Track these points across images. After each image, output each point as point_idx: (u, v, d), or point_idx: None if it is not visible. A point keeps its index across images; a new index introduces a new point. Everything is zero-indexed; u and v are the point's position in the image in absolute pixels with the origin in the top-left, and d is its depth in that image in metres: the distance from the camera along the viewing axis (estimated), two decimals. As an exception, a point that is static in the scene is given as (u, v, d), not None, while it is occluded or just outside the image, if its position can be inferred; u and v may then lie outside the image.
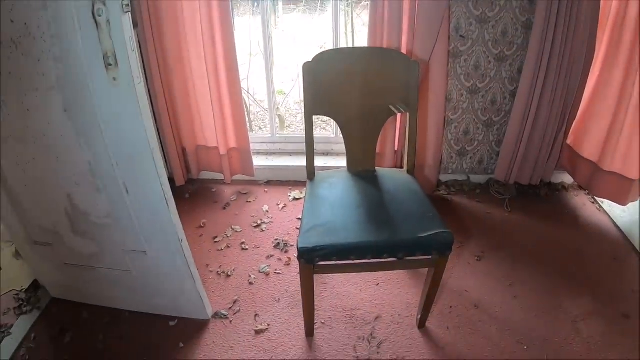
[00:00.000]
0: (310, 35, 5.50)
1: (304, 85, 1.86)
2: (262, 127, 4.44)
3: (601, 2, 2.56)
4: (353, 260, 1.56)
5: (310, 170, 1.99)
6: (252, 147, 3.02)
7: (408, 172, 2.01)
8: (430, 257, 1.60)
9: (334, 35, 2.77)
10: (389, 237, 1.57)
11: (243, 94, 2.80)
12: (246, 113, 3.06)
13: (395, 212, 1.70)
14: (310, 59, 1.83)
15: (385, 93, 1.90)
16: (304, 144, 1.95)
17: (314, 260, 1.53)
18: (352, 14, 3.72)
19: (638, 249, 2.57)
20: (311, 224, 1.64)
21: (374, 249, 1.54)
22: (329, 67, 1.86)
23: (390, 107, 1.89)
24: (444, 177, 3.07)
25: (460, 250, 2.49)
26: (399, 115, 2.59)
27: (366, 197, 1.80)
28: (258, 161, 3.15)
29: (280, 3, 6.23)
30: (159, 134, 2.83)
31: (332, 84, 1.87)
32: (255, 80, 4.20)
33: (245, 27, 4.18)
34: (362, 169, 2.00)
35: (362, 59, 1.88)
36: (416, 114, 1.91)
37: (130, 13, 1.27)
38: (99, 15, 1.22)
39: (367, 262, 1.59)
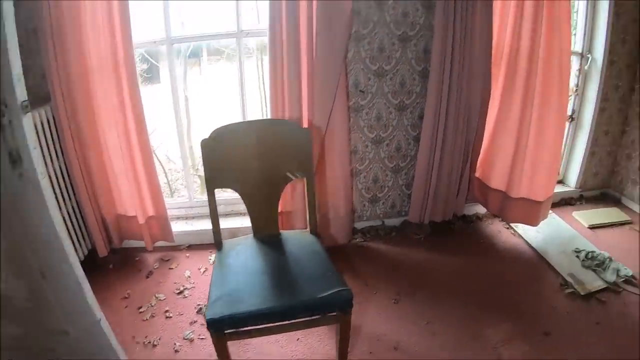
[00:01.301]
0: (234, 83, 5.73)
1: (203, 161, 2.10)
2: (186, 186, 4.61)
3: (494, 38, 2.96)
4: (261, 325, 1.77)
5: (218, 240, 2.20)
6: (172, 212, 3.21)
7: (311, 232, 2.26)
8: (334, 314, 1.84)
9: (240, 92, 3.07)
10: (291, 300, 1.80)
11: (163, 157, 2.99)
12: (167, 177, 3.25)
13: (298, 274, 1.94)
14: (207, 136, 2.07)
15: (281, 161, 2.17)
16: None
17: (222, 329, 1.74)
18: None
19: (552, 264, 2.92)
20: (218, 294, 1.85)
21: (278, 314, 1.77)
22: (226, 142, 2.10)
23: (287, 174, 2.15)
24: (359, 225, 3.36)
25: (377, 295, 2.75)
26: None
27: (271, 263, 2.04)
28: (178, 226, 3.33)
29: (205, 52, 6.49)
30: (78, 206, 2.96)
31: (231, 157, 2.12)
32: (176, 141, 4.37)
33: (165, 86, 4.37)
34: (267, 234, 2.23)
35: (257, 131, 2.14)
36: (313, 178, 2.19)
37: (30, 113, 1.47)
38: (2, 116, 1.40)
39: (276, 325, 1.80)
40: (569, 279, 2.84)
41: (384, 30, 2.77)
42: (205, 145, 2.06)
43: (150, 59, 5.00)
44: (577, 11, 4.06)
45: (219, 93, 5.95)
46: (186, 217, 3.47)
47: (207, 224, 3.38)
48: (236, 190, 2.18)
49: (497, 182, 3.21)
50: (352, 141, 2.98)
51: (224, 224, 3.11)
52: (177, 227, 3.28)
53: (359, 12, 2.72)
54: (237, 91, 3.09)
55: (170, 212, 3.17)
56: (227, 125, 2.12)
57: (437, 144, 2.92)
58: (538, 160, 3.12)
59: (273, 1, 2.46)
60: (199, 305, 2.75)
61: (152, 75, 5.40)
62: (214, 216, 2.16)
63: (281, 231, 2.27)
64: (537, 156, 3.12)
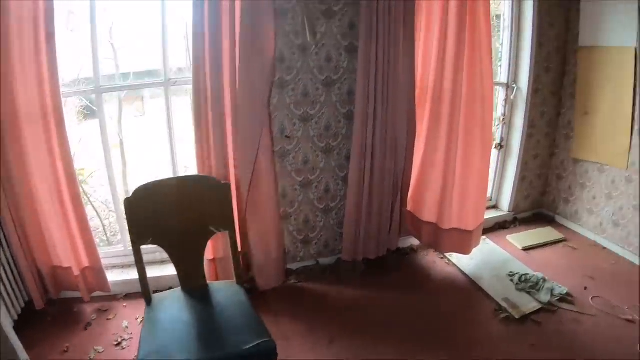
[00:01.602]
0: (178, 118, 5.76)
1: (127, 220, 2.17)
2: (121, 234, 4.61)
3: (418, 76, 3.15)
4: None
5: (147, 295, 2.27)
6: (108, 261, 3.24)
7: (238, 282, 2.36)
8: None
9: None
10: (217, 354, 1.88)
11: (101, 203, 3.01)
12: (103, 224, 3.27)
13: (224, 327, 2.03)
14: (130, 195, 2.15)
15: (203, 216, 2.27)
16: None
17: (152, 386, 1.81)
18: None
19: (486, 290, 3.08)
20: (147, 350, 1.92)
21: (205, 368, 1.85)
22: (149, 200, 2.18)
23: (210, 227, 2.25)
24: (294, 266, 3.47)
25: (311, 336, 2.82)
26: (237, 220, 2.92)
27: (198, 316, 2.12)
28: (115, 275, 3.35)
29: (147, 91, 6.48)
30: (12, 257, 2.95)
31: (154, 214, 2.20)
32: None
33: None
34: (195, 286, 2.31)
35: (179, 188, 2.25)
36: (234, 231, 2.29)
37: None
38: None
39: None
40: (503, 304, 3.01)
41: (308, 75, 2.91)
42: (128, 203, 2.13)
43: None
44: (502, 43, 4.34)
45: (158, 133, 5.96)
46: (122, 266, 3.49)
47: (144, 272, 3.43)
48: (162, 246, 2.25)
49: (428, 214, 3.37)
50: (280, 185, 3.08)
51: (161, 271, 3.18)
52: (113, 276, 3.30)
53: (282, 59, 2.85)
54: (167, 140, 3.18)
55: (106, 261, 3.20)
56: (148, 183, 2.21)
57: (365, 183, 3.05)
58: (466, 192, 3.31)
59: (196, 47, 2.56)
60: (136, 356, 2.78)
61: (92, 112, 5.39)
62: (142, 272, 2.23)
63: (209, 282, 2.36)
64: (465, 188, 3.31)
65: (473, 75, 3.18)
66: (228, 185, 2.27)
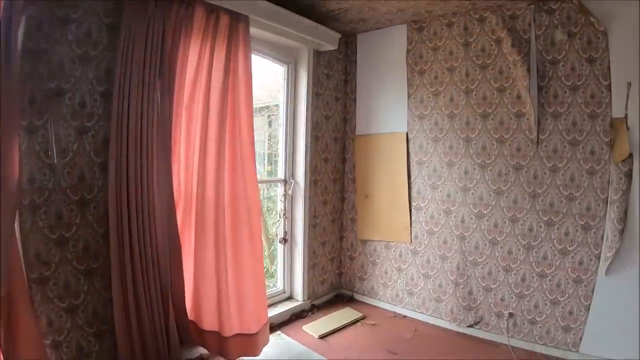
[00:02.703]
0: None
1: None
2: None
3: (182, 185, 3.21)
4: None
5: None
6: None
7: None
8: None
9: None
10: None
11: None
12: None
13: None
14: None
15: None
16: None
17: None
18: None
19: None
20: None
21: None
22: None
23: None
24: None
25: None
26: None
27: None
28: None
29: None
30: None
31: None
32: None
33: None
34: None
35: None
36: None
37: None
38: None
39: None
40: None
41: (60, 196, 2.84)
42: None
43: None
44: (278, 140, 4.72)
45: None
46: None
47: None
48: None
49: (209, 324, 3.36)
50: (44, 318, 2.89)
51: None
52: None
53: (32, 181, 2.73)
54: None
55: None
56: None
57: (131, 306, 2.92)
58: (242, 297, 3.43)
59: None
60: None
61: None
62: None
63: None
64: (241, 293, 3.42)
65: (235, 183, 3.38)
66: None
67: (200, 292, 3.36)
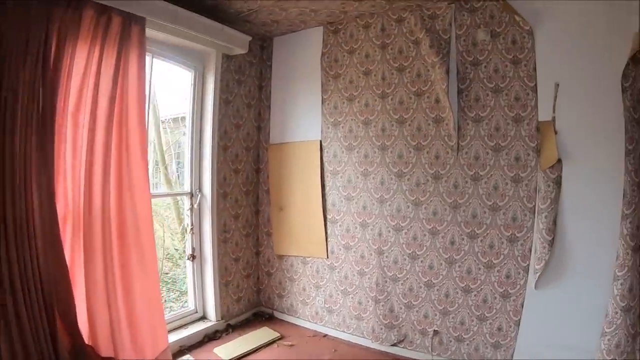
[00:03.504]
0: None
1: None
2: None
3: (69, 202, 2.53)
4: None
5: None
6: None
7: None
8: None
9: None
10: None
11: None
12: None
13: None
14: None
15: None
16: None
17: None
18: None
19: None
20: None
21: None
22: None
23: None
24: None
25: None
26: None
27: None
28: None
29: None
30: None
31: None
32: None
33: None
34: None
35: None
36: None
37: None
38: None
39: None
40: None
41: None
42: None
43: None
44: (183, 150, 3.86)
45: None
46: None
47: None
48: None
49: (105, 349, 2.67)
50: None
51: None
52: None
53: None
54: None
55: None
56: None
57: (14, 331, 2.23)
58: (135, 320, 2.81)
59: None
60: None
61: None
62: None
63: None
64: (133, 316, 2.81)
65: (121, 194, 2.77)
66: None
67: (94, 316, 2.66)
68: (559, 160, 2.78)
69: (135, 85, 2.81)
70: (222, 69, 3.74)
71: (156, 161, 4.67)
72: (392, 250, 3.44)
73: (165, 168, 4.88)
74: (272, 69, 4.10)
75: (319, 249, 3.79)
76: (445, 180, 3.19)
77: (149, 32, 2.93)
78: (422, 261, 3.32)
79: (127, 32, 2.73)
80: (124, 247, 2.77)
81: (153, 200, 3.94)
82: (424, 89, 3.26)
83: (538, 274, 2.85)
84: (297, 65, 3.92)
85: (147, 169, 2.89)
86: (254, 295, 4.25)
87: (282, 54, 4.04)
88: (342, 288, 3.72)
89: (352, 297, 3.68)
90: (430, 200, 3.26)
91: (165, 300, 4.10)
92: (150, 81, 3.20)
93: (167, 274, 4.84)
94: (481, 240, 3.08)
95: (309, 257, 3.90)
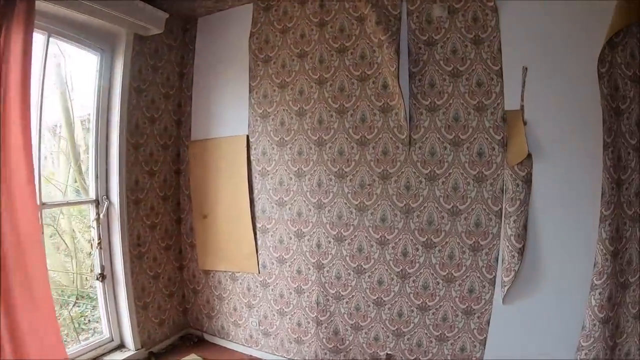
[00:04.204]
0: None
1: None
2: None
3: None
4: None
5: None
6: None
7: None
8: None
9: None
10: None
11: None
12: None
13: None
14: None
15: None
16: None
17: None
18: None
19: None
20: None
21: None
22: None
23: None
24: None
25: None
26: None
27: None
28: None
29: None
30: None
31: None
32: None
33: None
34: None
35: None
36: None
37: None
38: None
39: None
40: None
41: None
42: None
43: None
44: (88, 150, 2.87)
45: None
46: None
47: None
48: None
49: None
50: None
51: None
52: None
53: None
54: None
55: None
56: None
57: None
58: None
59: None
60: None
61: None
62: None
63: None
64: (22, 354, 2.03)
65: None
66: None
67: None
68: (529, 156, 2.10)
69: (19, 71, 2.01)
70: (134, 53, 2.80)
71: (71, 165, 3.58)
72: (333, 264, 2.63)
73: (80, 172, 3.78)
74: (196, 53, 3.17)
75: (249, 263, 2.92)
76: (395, 180, 2.43)
77: (44, 5, 2.19)
78: (369, 276, 2.54)
79: (10, 4, 1.97)
80: (3, 272, 1.97)
81: (51, 212, 2.98)
82: (368, 72, 2.47)
83: (507, 287, 2.17)
84: (223, 49, 3.02)
85: (32, 174, 2.07)
86: (179, 316, 3.31)
87: (207, 35, 3.12)
88: (278, 308, 2.88)
89: (289, 318, 2.84)
90: (378, 205, 2.48)
91: (75, 329, 3.06)
92: (44, 67, 2.39)
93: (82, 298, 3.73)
94: (439, 250, 2.35)
95: (239, 272, 3.03)
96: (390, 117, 2.42)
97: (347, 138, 2.54)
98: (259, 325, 2.97)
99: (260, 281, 2.93)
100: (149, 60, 2.96)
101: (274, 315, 2.90)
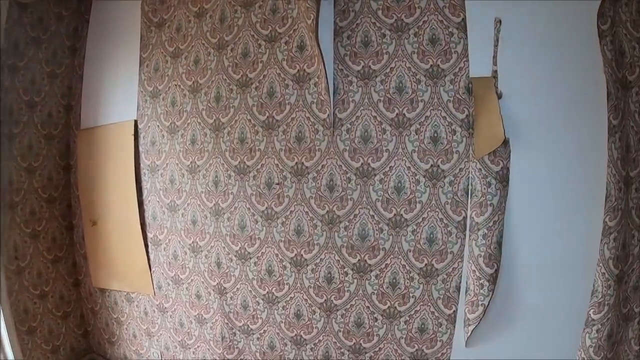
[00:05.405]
0: None
1: None
2: None
3: None
4: None
5: None
6: None
7: None
8: None
9: None
10: None
11: None
12: None
13: None
14: None
15: None
16: None
17: None
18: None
19: None
20: None
21: None
22: None
23: None
24: None
25: None
26: None
27: None
28: None
29: None
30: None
31: None
32: None
33: None
34: None
35: None
36: None
37: None
38: None
39: None
40: None
41: None
42: None
43: None
44: None
45: None
46: None
47: None
48: None
49: None
50: None
51: None
52: None
53: None
54: None
55: None
56: None
57: None
58: None
59: None
60: None
61: None
62: None
63: None
64: None
65: None
66: None
67: None
68: (505, 142, 1.18)
69: None
70: (8, 23, 1.76)
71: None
72: (238, 289, 1.63)
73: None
74: (90, 24, 2.10)
75: (143, 282, 1.90)
76: (313, 177, 1.44)
77: None
78: (284, 307, 1.54)
79: None
80: None
81: None
82: (280, 30, 1.47)
83: (472, 327, 1.25)
84: (118, 14, 1.97)
85: None
86: (78, 341, 2.26)
87: (102, 2, 2.05)
88: (180, 339, 1.86)
89: (193, 353, 1.83)
90: (291, 212, 1.48)
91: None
92: None
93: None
94: (376, 276, 1.38)
95: (134, 292, 1.99)
96: (307, 89, 1.43)
97: (250, 120, 1.53)
98: (161, 356, 1.95)
99: (157, 305, 1.91)
100: (30, 31, 1.92)
101: (176, 347, 1.89)
